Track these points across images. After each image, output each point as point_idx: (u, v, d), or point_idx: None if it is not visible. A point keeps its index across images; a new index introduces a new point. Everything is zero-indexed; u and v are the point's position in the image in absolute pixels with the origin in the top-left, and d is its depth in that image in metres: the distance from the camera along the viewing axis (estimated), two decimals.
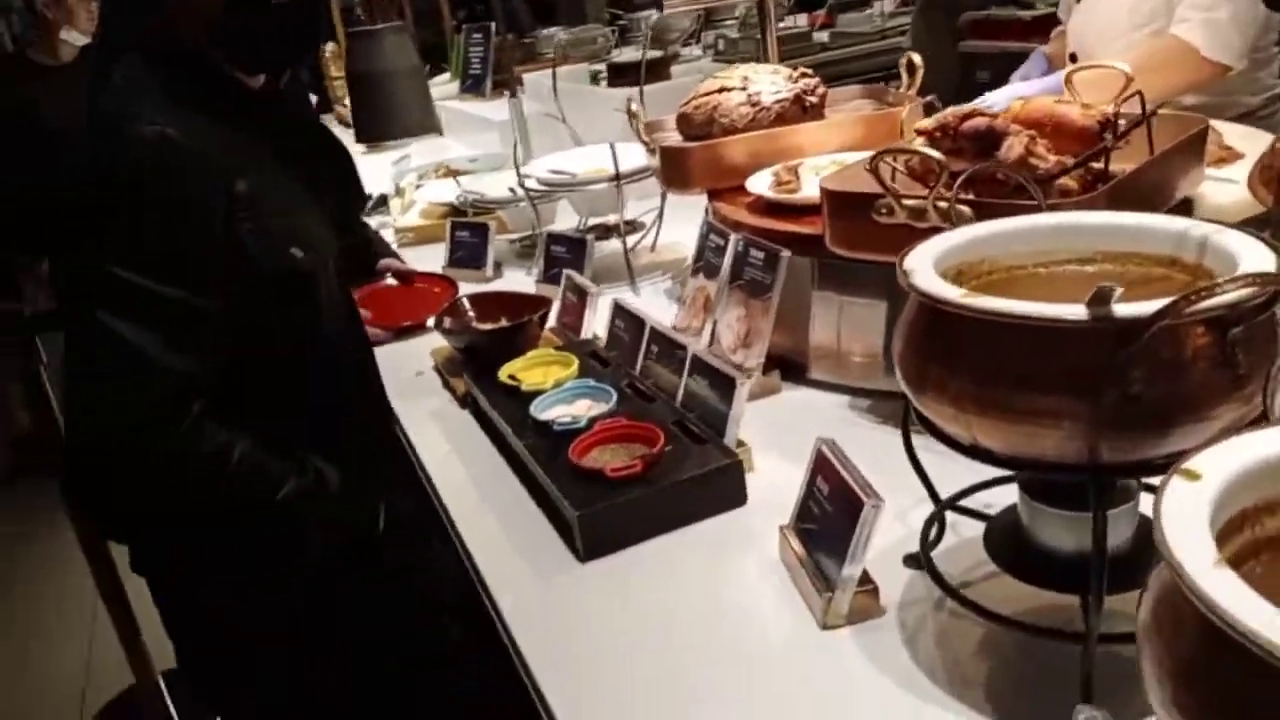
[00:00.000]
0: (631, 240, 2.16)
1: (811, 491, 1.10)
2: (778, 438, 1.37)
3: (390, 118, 2.91)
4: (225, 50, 1.31)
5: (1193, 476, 0.62)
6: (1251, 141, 1.56)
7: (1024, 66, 2.17)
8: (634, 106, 1.80)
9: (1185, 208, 1.34)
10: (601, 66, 4.01)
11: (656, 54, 4.22)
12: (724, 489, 1.24)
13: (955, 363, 0.80)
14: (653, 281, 2.03)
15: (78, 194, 1.27)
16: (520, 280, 2.12)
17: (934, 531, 1.05)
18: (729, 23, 4.52)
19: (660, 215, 2.13)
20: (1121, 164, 1.30)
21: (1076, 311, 0.73)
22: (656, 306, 1.86)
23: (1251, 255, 0.80)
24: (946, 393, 0.81)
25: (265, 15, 1.31)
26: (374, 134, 2.87)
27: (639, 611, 1.11)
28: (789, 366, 1.53)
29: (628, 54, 4.26)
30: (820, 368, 1.51)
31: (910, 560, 1.07)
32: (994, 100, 1.65)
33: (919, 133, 1.28)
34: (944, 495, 1.05)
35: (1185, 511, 0.59)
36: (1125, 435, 0.76)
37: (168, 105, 1.25)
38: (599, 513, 1.19)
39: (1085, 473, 0.79)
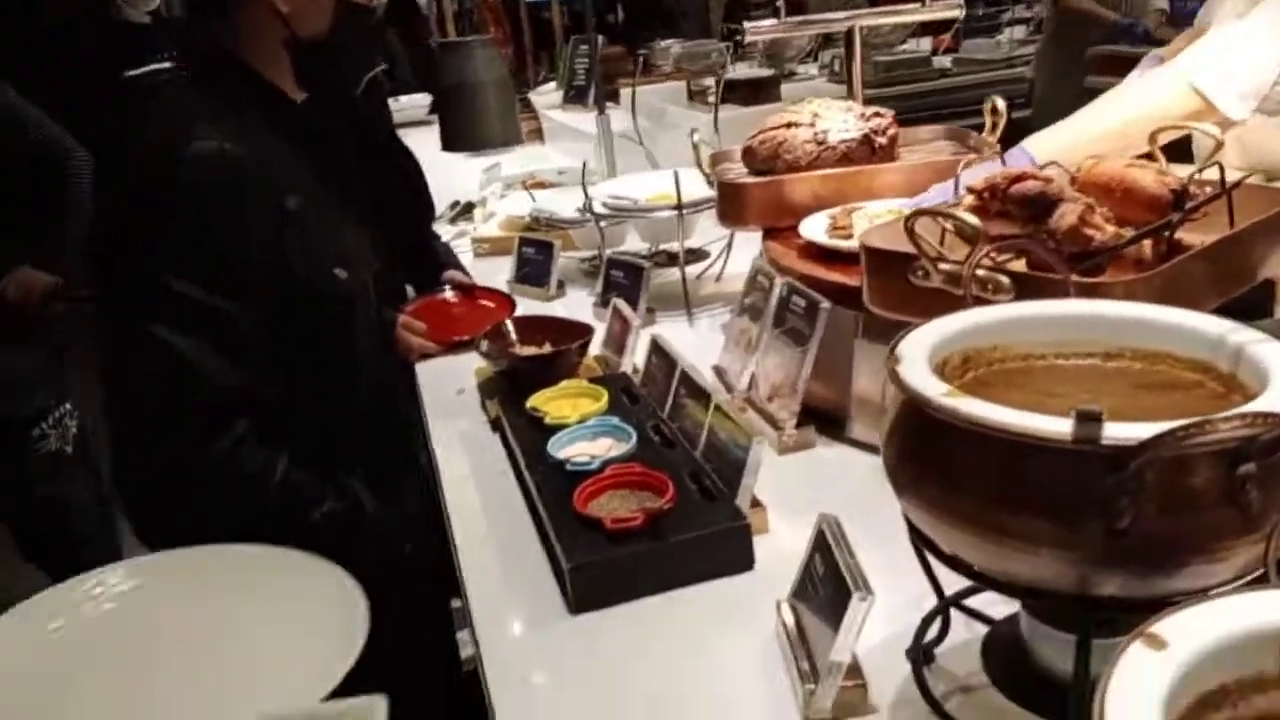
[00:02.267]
0: (697, 269, 2.11)
1: (810, 569, 1.03)
2: (803, 498, 1.29)
3: (475, 129, 2.94)
4: (294, 68, 1.32)
5: (1158, 644, 0.55)
6: None
7: (1136, 71, 2.00)
8: (696, 138, 1.74)
9: (1268, 290, 1.22)
10: (710, 82, 3.97)
11: (767, 73, 4.16)
12: (729, 552, 1.18)
13: (933, 467, 0.73)
14: (712, 313, 1.97)
15: (127, 208, 1.30)
16: (581, 301, 2.09)
17: (936, 628, 0.97)
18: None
19: (729, 245, 2.07)
20: (1201, 235, 1.19)
21: (1060, 428, 0.65)
22: (709, 341, 1.80)
23: None
24: (922, 497, 0.74)
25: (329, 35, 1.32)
26: (459, 145, 2.90)
27: (621, 673, 1.05)
28: (827, 420, 1.45)
29: (742, 70, 4.21)
30: (859, 425, 1.43)
31: (910, 654, 0.99)
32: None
33: (969, 190, 1.19)
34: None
35: (1139, 689, 0.51)
36: (1113, 570, 0.67)
37: (223, 121, 1.26)
38: (593, 565, 1.14)
39: (1068, 602, 0.70)
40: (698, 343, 1.76)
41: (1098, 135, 1.54)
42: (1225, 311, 0.92)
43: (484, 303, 2.03)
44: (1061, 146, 1.51)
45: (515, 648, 1.12)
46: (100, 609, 0.94)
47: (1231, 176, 1.18)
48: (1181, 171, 1.27)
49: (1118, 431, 0.63)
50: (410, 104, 4.10)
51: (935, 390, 0.73)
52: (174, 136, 1.25)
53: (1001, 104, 1.68)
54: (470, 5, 4.60)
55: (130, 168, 1.30)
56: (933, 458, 0.74)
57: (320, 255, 1.34)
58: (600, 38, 3.81)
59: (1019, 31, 5.43)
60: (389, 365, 1.56)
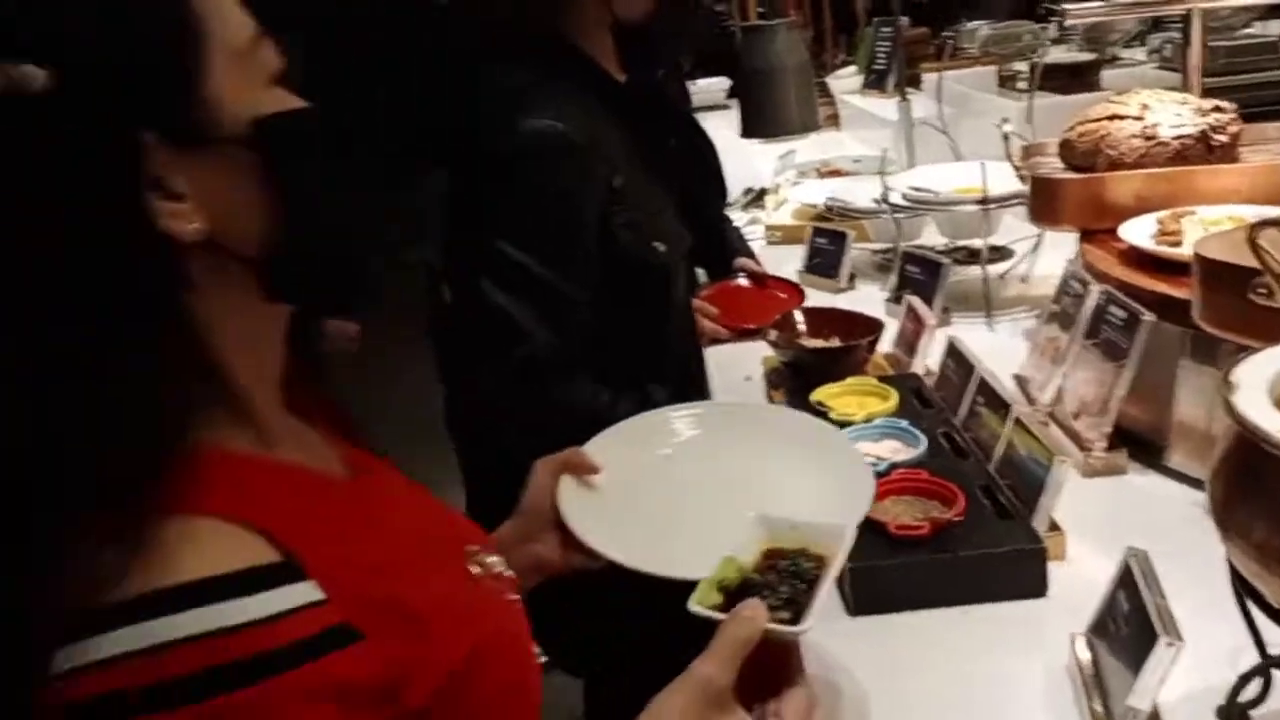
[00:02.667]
0: (1001, 268, 2.01)
1: (1112, 605, 0.96)
2: (1106, 527, 1.21)
3: (774, 114, 2.93)
4: (616, 50, 1.38)
5: None
6: None
7: None
8: (1006, 128, 1.66)
9: None
10: (1023, 66, 3.74)
11: (1087, 57, 3.87)
12: (1020, 575, 1.12)
13: (1267, 510, 0.66)
14: (1014, 317, 1.87)
15: (468, 178, 1.40)
16: (872, 295, 2.05)
17: (1254, 689, 0.88)
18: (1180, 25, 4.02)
19: (1037, 244, 1.95)
20: None
21: None
22: (1011, 346, 1.72)
23: None
24: (1252, 541, 0.68)
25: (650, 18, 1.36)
26: (757, 130, 2.90)
27: (896, 682, 1.04)
28: (1142, 445, 1.34)
29: (1058, 54, 3.94)
30: (1179, 453, 1.31)
31: (1223, 713, 0.91)
32: None
33: None
34: None
35: None
36: None
37: (556, 100, 1.33)
38: (874, 569, 1.13)
39: None
40: (998, 348, 1.68)
41: None
42: None
43: (774, 292, 2.03)
44: None
45: None
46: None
47: None
48: None
49: None
50: (708, 87, 4.15)
51: (1276, 425, 0.66)
52: (510, 112, 1.32)
53: None
54: None
55: (468, 141, 1.39)
56: (1267, 499, 0.67)
57: (643, 232, 1.39)
58: (904, 19, 3.70)
59: None
60: (693, 346, 1.59)
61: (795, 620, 0.77)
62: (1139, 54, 4.74)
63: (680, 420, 1.11)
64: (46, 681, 0.53)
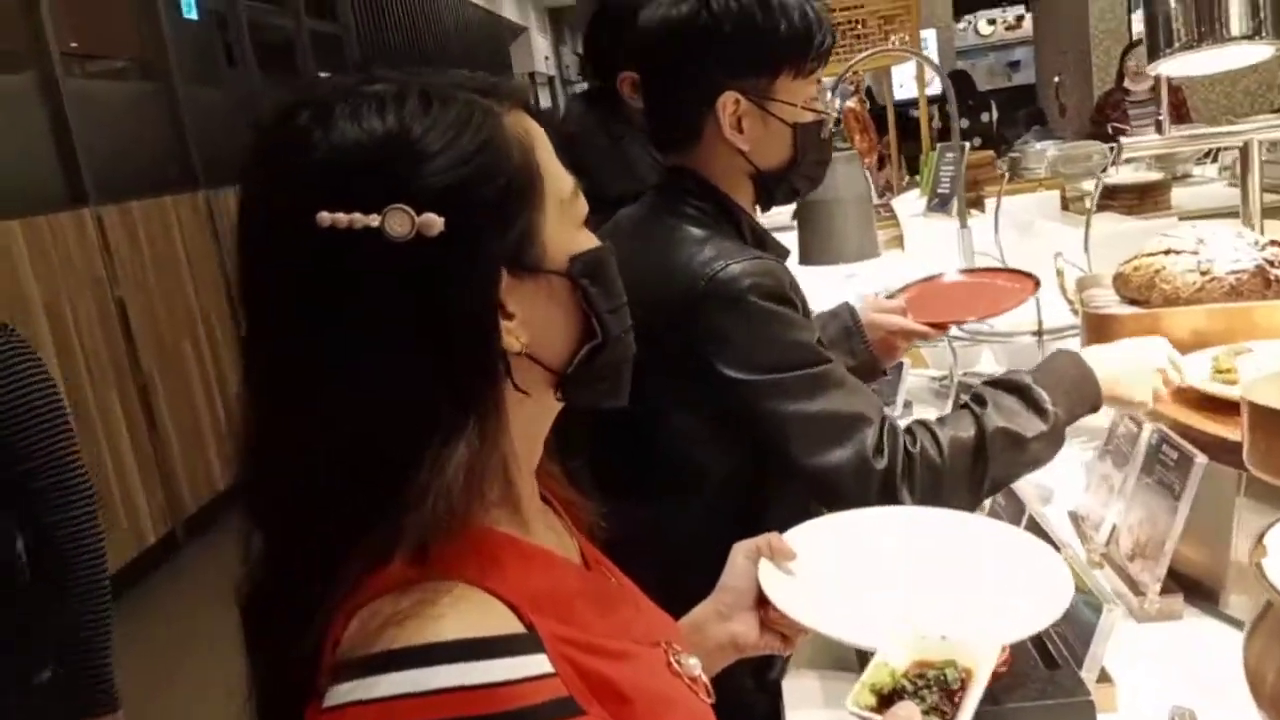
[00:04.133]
0: None
1: None
2: (1159, 677, 1.17)
3: (831, 243, 2.96)
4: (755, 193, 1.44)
5: None
6: None
7: None
8: (1060, 263, 1.66)
9: None
10: (1090, 187, 3.74)
11: (1156, 177, 3.86)
12: None
13: None
14: (1071, 447, 1.83)
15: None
16: None
17: None
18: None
19: None
20: None
21: None
22: (1064, 479, 1.68)
23: None
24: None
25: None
26: (814, 258, 2.93)
27: None
28: (1199, 591, 1.30)
29: (1126, 173, 3.93)
30: (1236, 598, 1.27)
31: None
32: None
33: None
34: None
35: None
36: None
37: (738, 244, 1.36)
38: None
39: None
40: (1052, 481, 1.65)
41: None
42: None
43: (994, 280, 1.96)
44: None
45: None
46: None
47: None
48: None
49: None
50: (776, 211, 4.23)
51: None
52: (704, 257, 1.32)
53: None
54: (838, 112, 4.70)
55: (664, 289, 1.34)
56: None
57: None
58: (966, 145, 3.74)
59: None
60: None
61: None
62: (1210, 170, 4.70)
63: (879, 516, 1.17)
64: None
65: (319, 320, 0.68)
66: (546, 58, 15.59)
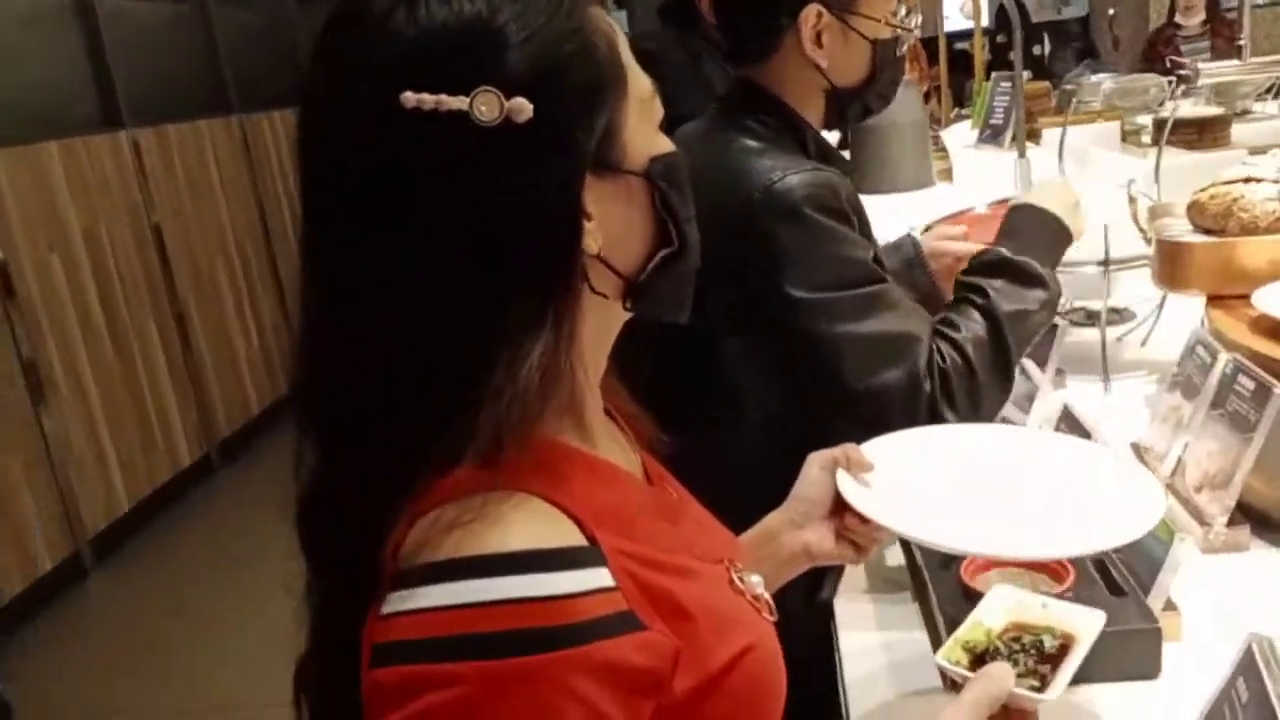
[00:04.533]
0: (1120, 330, 1.93)
1: (1229, 692, 0.90)
2: (1225, 607, 1.15)
3: (887, 171, 2.89)
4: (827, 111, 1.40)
5: None
6: None
7: None
8: (1133, 190, 1.60)
9: None
10: (1147, 120, 3.63)
11: (1215, 111, 3.73)
12: (1133, 656, 1.06)
13: None
14: (1133, 380, 1.80)
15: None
16: None
17: None
18: None
19: (1160, 308, 1.88)
20: None
21: None
22: (1128, 412, 1.65)
23: None
24: None
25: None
26: (869, 186, 2.86)
27: None
28: (1267, 523, 1.27)
29: (1185, 108, 3.81)
30: None
31: None
32: None
33: None
34: None
35: None
36: None
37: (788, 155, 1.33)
38: None
39: None
40: (1114, 413, 1.61)
41: None
42: None
43: None
44: None
45: (887, 713, 1.09)
46: None
47: None
48: None
49: None
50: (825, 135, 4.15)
51: None
52: (762, 167, 1.30)
53: None
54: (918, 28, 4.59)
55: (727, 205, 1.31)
56: None
57: None
58: (1026, 73, 3.64)
59: None
60: None
61: (1039, 690, 0.83)
62: (1271, 107, 4.54)
63: (960, 433, 1.16)
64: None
65: (397, 213, 0.65)
66: None
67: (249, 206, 5.98)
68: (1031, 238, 1.35)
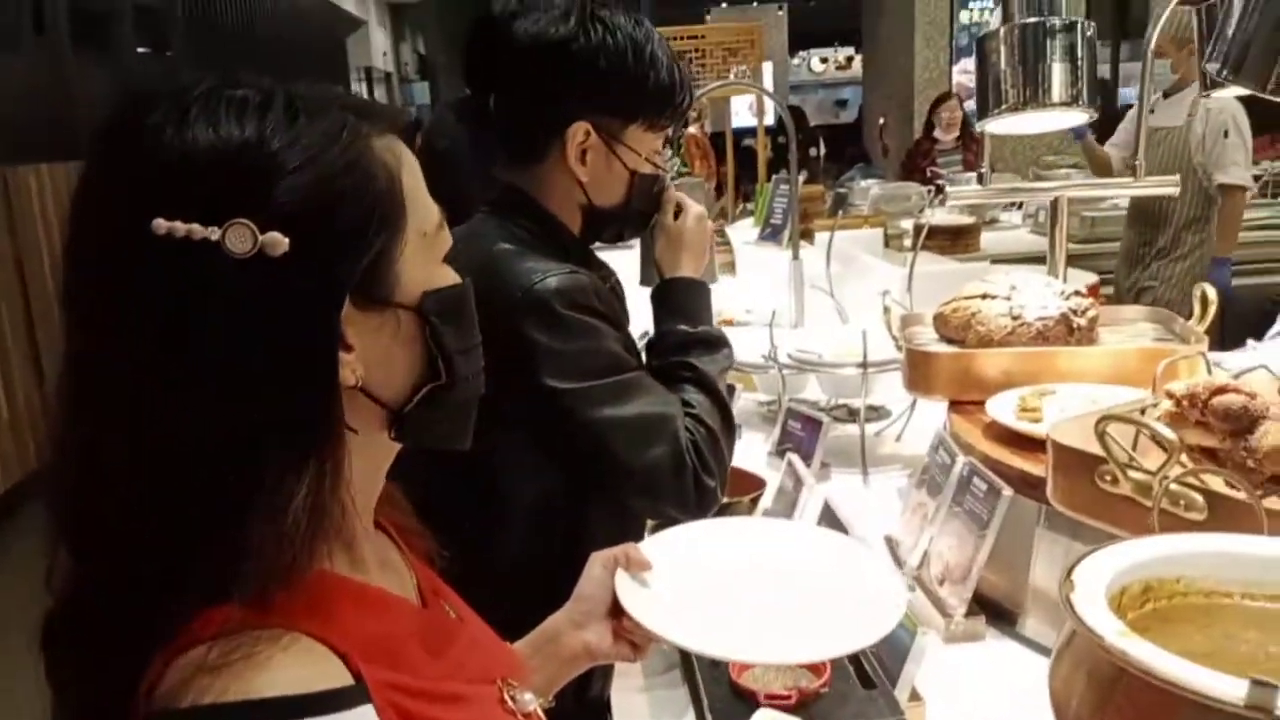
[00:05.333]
0: (877, 427, 2.09)
1: None
2: (965, 696, 1.25)
3: None
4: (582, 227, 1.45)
5: None
6: None
7: None
8: (888, 300, 1.75)
9: None
10: (908, 225, 3.96)
11: (968, 220, 4.12)
12: None
13: (1096, 708, 0.70)
14: (888, 474, 1.94)
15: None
16: (756, 445, 2.10)
17: None
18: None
19: (912, 407, 2.04)
20: None
21: (1233, 692, 0.61)
22: (884, 503, 1.78)
23: None
24: None
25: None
26: (654, 279, 2.98)
27: None
28: (1000, 613, 1.40)
29: (941, 216, 4.18)
30: (1035, 620, 1.37)
31: None
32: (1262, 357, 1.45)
33: (1169, 396, 1.15)
34: None
35: None
36: None
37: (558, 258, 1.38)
38: None
39: None
40: (872, 504, 1.74)
41: None
42: None
43: None
44: None
45: None
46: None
47: None
48: None
49: None
50: None
51: (1109, 628, 0.70)
52: (521, 269, 1.33)
53: (1212, 293, 1.62)
54: (679, 137, 4.80)
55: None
56: (1099, 698, 0.71)
57: None
58: (802, 174, 3.90)
59: None
60: None
61: None
62: (1015, 217, 5.05)
63: (728, 529, 1.23)
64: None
65: (145, 335, 0.62)
66: (385, 53, 15.22)
67: (7, 263, 5.53)
68: (692, 307, 1.48)
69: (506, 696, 0.82)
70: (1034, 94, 1.71)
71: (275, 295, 0.63)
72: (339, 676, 0.64)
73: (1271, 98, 1.11)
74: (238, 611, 0.62)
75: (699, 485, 1.35)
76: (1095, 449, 1.12)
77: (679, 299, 1.49)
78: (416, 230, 0.72)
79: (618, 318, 1.41)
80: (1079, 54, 1.67)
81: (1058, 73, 1.69)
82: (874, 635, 1.00)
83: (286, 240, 0.62)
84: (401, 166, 0.71)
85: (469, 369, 0.76)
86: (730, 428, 1.44)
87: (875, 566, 1.14)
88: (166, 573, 0.63)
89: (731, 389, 2.18)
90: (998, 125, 1.84)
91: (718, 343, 1.47)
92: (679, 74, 1.39)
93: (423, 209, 0.73)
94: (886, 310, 1.77)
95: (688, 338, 1.45)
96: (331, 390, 0.66)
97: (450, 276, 0.76)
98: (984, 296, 1.69)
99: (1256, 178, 5.63)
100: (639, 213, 1.47)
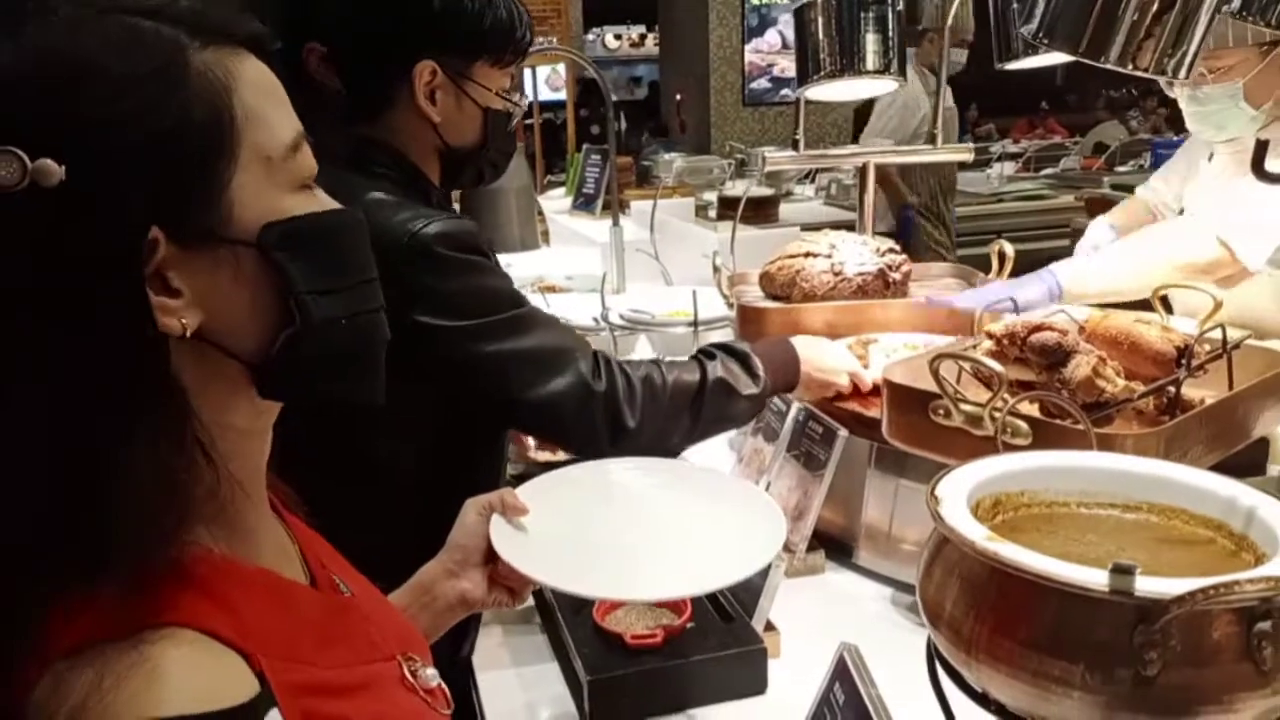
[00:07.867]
0: None
1: (828, 698, 1.06)
2: (813, 623, 1.33)
3: (499, 234, 3.04)
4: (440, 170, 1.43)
5: None
6: None
7: (1088, 235, 2.10)
8: (718, 261, 1.82)
9: (1262, 448, 1.28)
10: (713, 197, 4.10)
11: (767, 192, 4.29)
12: (744, 674, 1.20)
13: (970, 607, 0.77)
14: None
15: None
16: None
17: None
18: (846, 169, 4.59)
19: None
20: (1200, 390, 1.26)
21: (1097, 580, 0.70)
22: (717, 457, 1.85)
23: None
24: (959, 635, 0.78)
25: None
26: None
27: None
28: (837, 547, 1.49)
29: (740, 187, 4.34)
30: (868, 552, 1.47)
31: None
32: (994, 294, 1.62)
33: (989, 335, 1.26)
34: None
35: None
36: (1135, 715, 0.71)
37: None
38: (612, 680, 1.17)
39: None
40: (707, 458, 1.81)
41: (1127, 272, 1.65)
42: (1222, 467, 0.98)
43: None
44: (1090, 274, 1.61)
45: None
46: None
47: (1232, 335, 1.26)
48: (1181, 326, 1.35)
49: (1150, 586, 0.68)
50: None
51: (978, 534, 0.78)
52: (403, 217, 1.29)
53: (1009, 249, 1.78)
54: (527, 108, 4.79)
55: None
56: (973, 598, 0.78)
57: None
58: (611, 149, 3.95)
59: (1008, 168, 5.65)
60: None
61: None
62: (809, 189, 5.31)
63: (607, 471, 1.24)
64: None
65: None
66: None
67: None
68: (772, 356, 1.51)
69: (407, 673, 0.78)
70: (849, 62, 1.81)
71: (57, 233, 0.55)
72: (243, 683, 0.59)
73: (1086, 60, 1.22)
74: (118, 602, 0.57)
75: (615, 422, 1.35)
76: (926, 386, 1.22)
77: (774, 346, 1.54)
78: (255, 154, 0.63)
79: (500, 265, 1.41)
80: (889, 26, 1.79)
81: (871, 42, 1.80)
82: (747, 569, 1.05)
83: (62, 168, 0.54)
84: (237, 82, 0.63)
85: (336, 310, 0.67)
86: (692, 415, 1.44)
87: (755, 503, 1.18)
88: (20, 559, 0.57)
89: None
90: (816, 92, 1.93)
91: (755, 378, 1.47)
92: (516, 9, 1.39)
93: (265, 130, 0.64)
94: (716, 270, 1.84)
95: (743, 351, 1.48)
96: (145, 342, 0.59)
97: (304, 205, 0.67)
98: (807, 255, 1.79)
99: (1017, 155, 6.18)
100: (497, 152, 1.46)
